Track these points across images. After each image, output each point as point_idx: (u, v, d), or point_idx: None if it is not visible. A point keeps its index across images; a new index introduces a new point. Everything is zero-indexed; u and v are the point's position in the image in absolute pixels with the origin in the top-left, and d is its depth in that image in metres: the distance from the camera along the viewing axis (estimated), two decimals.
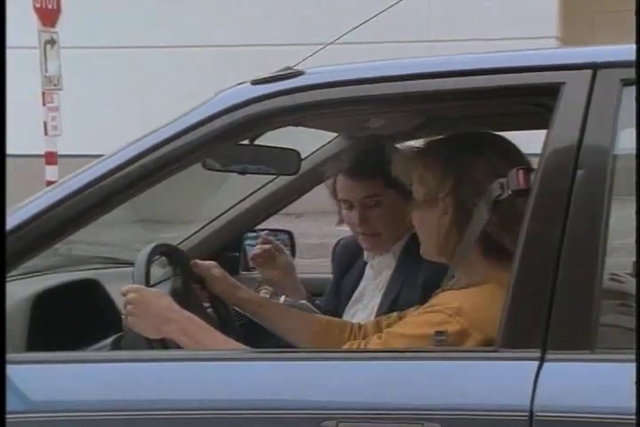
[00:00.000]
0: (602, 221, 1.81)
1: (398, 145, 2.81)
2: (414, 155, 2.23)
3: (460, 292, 2.11)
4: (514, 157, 2.13)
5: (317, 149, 3.16)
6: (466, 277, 2.15)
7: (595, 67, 1.88)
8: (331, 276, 3.16)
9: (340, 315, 2.88)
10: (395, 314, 2.45)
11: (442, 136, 2.31)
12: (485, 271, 2.11)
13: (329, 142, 3.14)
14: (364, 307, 2.84)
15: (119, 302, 2.74)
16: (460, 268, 2.16)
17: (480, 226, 2.05)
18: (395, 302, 2.68)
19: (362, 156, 2.85)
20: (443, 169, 2.13)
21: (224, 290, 2.57)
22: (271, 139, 2.42)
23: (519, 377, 1.78)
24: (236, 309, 2.62)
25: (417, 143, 2.57)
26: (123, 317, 2.19)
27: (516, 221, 1.91)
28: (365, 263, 2.96)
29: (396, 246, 2.84)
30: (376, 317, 2.65)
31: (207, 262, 2.61)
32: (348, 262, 3.04)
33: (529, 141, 2.25)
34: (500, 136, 2.24)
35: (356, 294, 2.91)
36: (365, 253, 2.95)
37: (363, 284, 2.92)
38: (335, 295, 3.05)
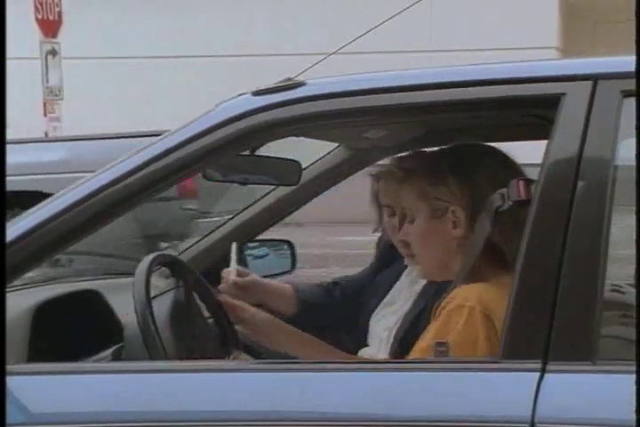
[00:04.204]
0: (603, 232, 1.81)
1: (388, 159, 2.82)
2: (410, 173, 2.22)
3: (477, 285, 2.07)
4: (512, 167, 2.14)
5: (318, 160, 3.17)
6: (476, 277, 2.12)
7: (595, 78, 1.88)
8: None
9: (360, 306, 2.90)
10: None
11: (437, 150, 2.32)
12: (495, 276, 2.10)
13: (329, 153, 3.14)
14: (393, 312, 2.80)
15: (120, 312, 2.75)
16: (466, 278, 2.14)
17: (482, 237, 2.05)
18: (417, 319, 2.65)
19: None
20: (447, 182, 2.13)
21: (268, 333, 2.62)
22: (273, 149, 2.42)
23: (520, 388, 1.77)
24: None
25: (409, 159, 2.58)
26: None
27: (518, 231, 1.91)
28: (405, 266, 2.92)
29: None
30: (400, 326, 2.61)
31: (237, 302, 2.65)
32: (389, 256, 3.00)
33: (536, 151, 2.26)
34: (494, 147, 2.25)
35: (388, 296, 2.88)
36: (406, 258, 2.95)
37: (398, 286, 2.90)
38: (365, 287, 3.03)
